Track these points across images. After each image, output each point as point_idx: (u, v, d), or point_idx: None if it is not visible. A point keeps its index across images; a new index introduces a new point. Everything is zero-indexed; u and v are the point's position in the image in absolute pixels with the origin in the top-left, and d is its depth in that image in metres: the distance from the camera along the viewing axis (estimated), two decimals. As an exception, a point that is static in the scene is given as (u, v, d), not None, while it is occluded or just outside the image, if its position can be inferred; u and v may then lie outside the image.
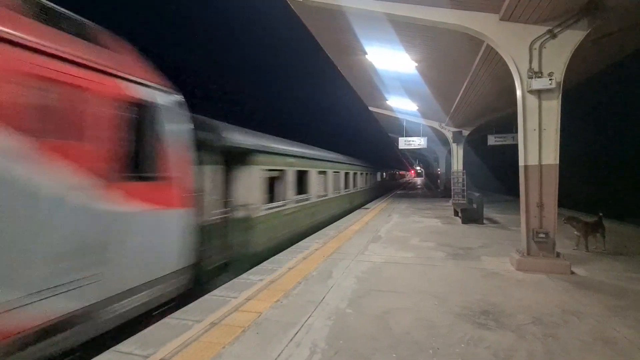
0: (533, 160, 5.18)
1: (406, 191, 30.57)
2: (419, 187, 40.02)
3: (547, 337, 3.08)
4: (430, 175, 48.52)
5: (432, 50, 7.81)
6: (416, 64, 8.80)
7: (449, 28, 5.71)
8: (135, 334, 3.21)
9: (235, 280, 4.89)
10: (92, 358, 2.84)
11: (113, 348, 2.96)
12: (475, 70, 8.09)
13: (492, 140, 16.19)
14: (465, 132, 15.98)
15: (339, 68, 10.39)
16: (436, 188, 31.16)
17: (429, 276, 4.97)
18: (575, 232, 6.43)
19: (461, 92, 10.27)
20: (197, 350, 2.90)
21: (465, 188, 15.18)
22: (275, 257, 6.22)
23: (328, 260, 5.86)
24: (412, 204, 16.67)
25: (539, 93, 5.12)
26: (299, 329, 3.27)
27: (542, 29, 5.08)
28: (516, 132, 15.26)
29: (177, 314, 3.70)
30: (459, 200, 14.57)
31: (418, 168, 79.65)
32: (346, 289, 4.43)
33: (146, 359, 2.77)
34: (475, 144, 23.55)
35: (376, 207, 15.23)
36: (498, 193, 22.46)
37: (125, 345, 2.99)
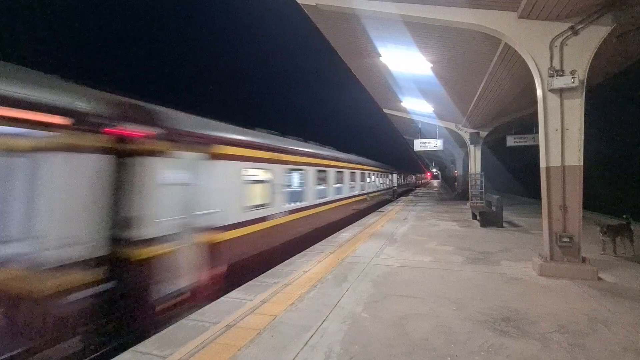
0: (555, 162, 4.99)
1: (422, 193, 30.08)
2: (435, 189, 39.31)
3: (573, 346, 2.94)
4: (447, 178, 47.61)
5: (448, 51, 7.69)
6: (431, 65, 8.67)
7: (466, 27, 5.61)
8: (154, 334, 3.28)
9: (250, 282, 4.92)
10: (112, 358, 2.92)
11: (132, 348, 3.02)
12: (493, 69, 7.90)
13: (511, 141, 15.77)
14: (483, 133, 15.59)
15: (352, 71, 10.37)
16: (453, 190, 30.57)
17: (447, 281, 4.86)
18: (602, 237, 6.11)
19: (478, 92, 10.04)
20: (214, 352, 2.93)
21: (483, 190, 14.81)
22: (290, 260, 6.23)
23: (343, 264, 5.83)
24: (429, 207, 16.38)
25: (560, 92, 4.95)
26: (314, 333, 3.26)
27: (563, 26, 4.92)
28: (536, 132, 14.79)
29: (194, 315, 3.75)
30: (477, 202, 14.22)
31: (434, 170, 78.28)
32: (362, 293, 4.38)
33: (164, 360, 2.81)
34: (493, 145, 22.95)
35: (391, 210, 15.05)
36: (518, 195, 21.76)
37: (144, 346, 3.05)
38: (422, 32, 6.81)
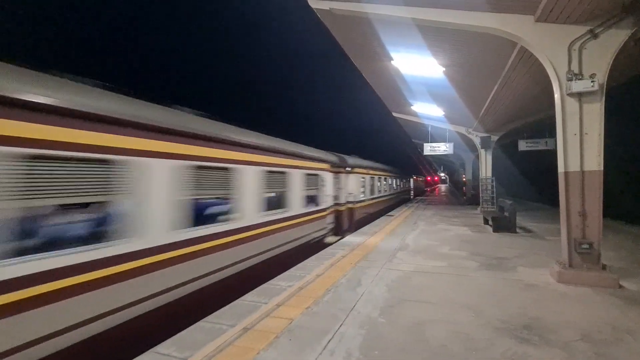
0: (574, 167, 4.91)
1: (430, 198, 29.84)
2: (443, 194, 38.95)
3: (599, 356, 2.87)
4: (456, 183, 47.13)
5: (461, 54, 7.64)
6: (444, 69, 8.63)
7: (481, 31, 5.57)
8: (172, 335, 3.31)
9: (264, 285, 4.93)
10: (132, 358, 2.94)
11: (152, 349, 3.05)
12: (507, 73, 7.82)
13: (523, 145, 15.52)
14: (495, 138, 15.42)
15: (363, 74, 10.38)
16: (462, 195, 30.23)
17: (462, 287, 4.79)
18: None
19: (491, 96, 9.94)
20: (233, 354, 2.93)
21: (494, 195, 14.63)
22: (301, 263, 6.23)
23: (356, 268, 5.80)
24: (438, 212, 16.23)
25: (579, 96, 4.88)
26: (332, 337, 3.24)
27: (582, 29, 4.86)
28: (549, 136, 14.56)
29: (211, 317, 3.77)
30: (488, 207, 14.05)
31: (442, 175, 77.52)
32: (377, 297, 4.35)
33: (184, 362, 2.83)
34: (505, 149, 22.65)
35: (400, 215, 14.96)
36: (531, 201, 21.42)
37: (164, 347, 3.07)
38: (435, 36, 6.79)
